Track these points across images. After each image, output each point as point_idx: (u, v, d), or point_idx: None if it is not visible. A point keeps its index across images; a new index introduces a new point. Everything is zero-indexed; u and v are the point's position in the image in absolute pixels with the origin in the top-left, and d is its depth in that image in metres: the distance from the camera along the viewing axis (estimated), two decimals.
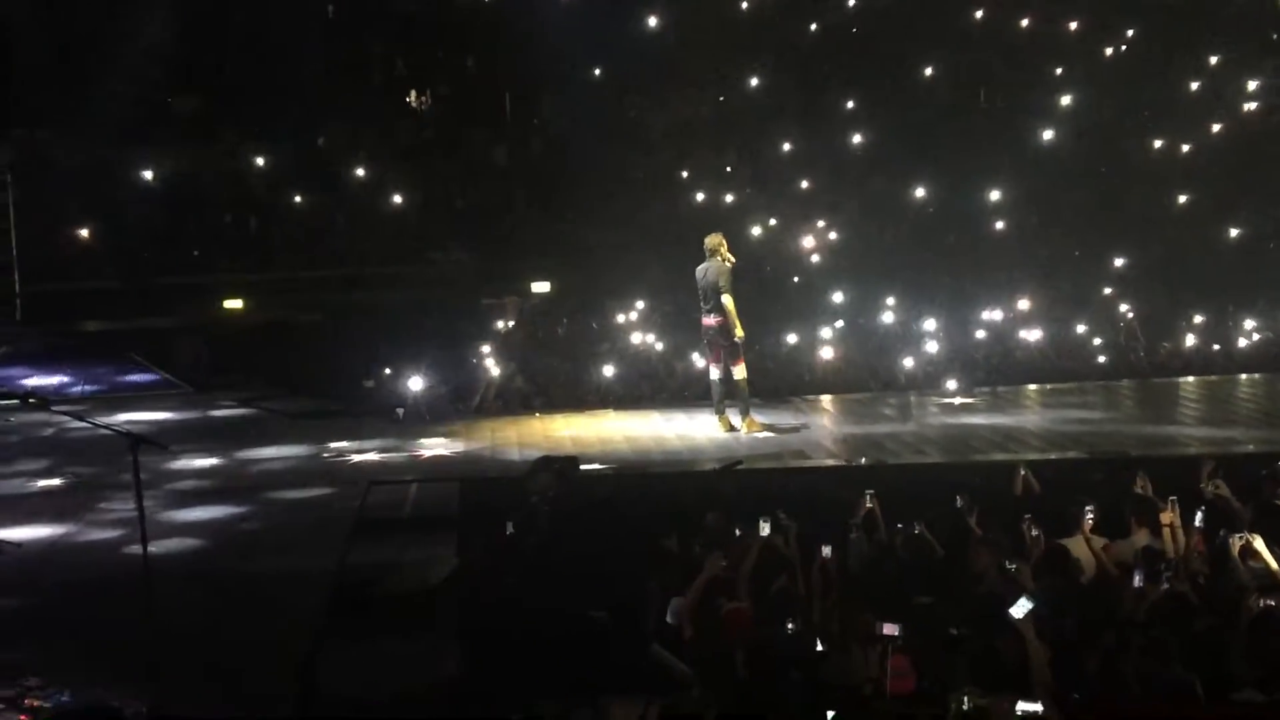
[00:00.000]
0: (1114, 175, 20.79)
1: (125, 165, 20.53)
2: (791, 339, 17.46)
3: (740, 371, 14.48)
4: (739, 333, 14.31)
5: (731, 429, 14.50)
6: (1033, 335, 17.84)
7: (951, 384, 16.65)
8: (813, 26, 21.83)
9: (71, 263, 19.71)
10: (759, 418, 14.81)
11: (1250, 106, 21.50)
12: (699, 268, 14.51)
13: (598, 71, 21.42)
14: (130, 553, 9.69)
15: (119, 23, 20.99)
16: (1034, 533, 9.63)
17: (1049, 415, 15.47)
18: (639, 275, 18.22)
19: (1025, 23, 21.76)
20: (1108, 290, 18.96)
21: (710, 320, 14.43)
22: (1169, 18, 21.65)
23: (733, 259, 14.46)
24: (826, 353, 17.01)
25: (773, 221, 19.92)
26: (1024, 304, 18.35)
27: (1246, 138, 21.08)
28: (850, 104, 21.33)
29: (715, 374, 14.60)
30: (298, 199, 20.77)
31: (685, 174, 20.74)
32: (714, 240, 14.45)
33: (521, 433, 14.87)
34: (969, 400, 16.25)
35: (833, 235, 19.83)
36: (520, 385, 16.34)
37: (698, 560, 9.07)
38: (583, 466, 12.10)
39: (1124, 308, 18.40)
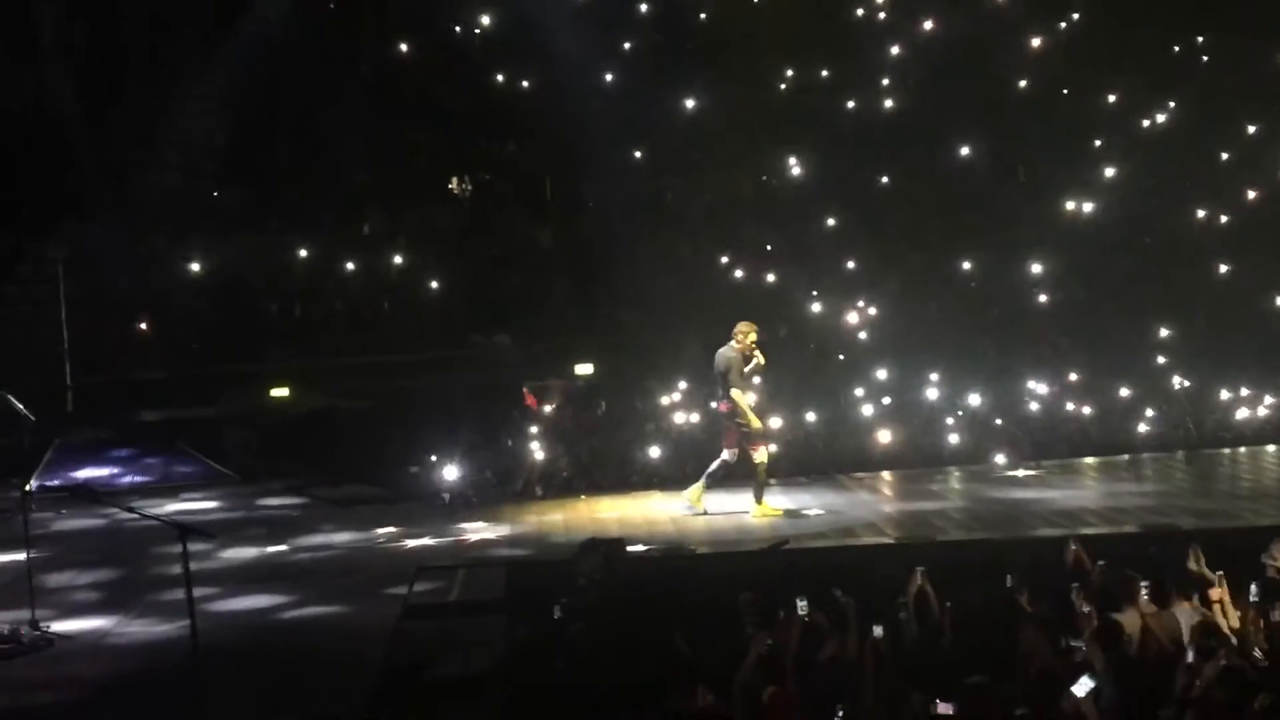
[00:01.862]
0: (1156, 246, 20.71)
1: (173, 257, 20.86)
2: (829, 415, 17.39)
3: (759, 455, 14.35)
4: (753, 424, 14.25)
5: (698, 503, 14.44)
6: (1080, 408, 17.71)
7: (1000, 459, 16.53)
8: (850, 104, 21.99)
9: (121, 354, 19.96)
10: (797, 499, 14.71)
11: None
12: (717, 352, 14.51)
13: (637, 154, 21.62)
14: (180, 643, 9.70)
15: (168, 117, 21.45)
16: (1085, 608, 9.50)
17: (1099, 489, 15.32)
18: (681, 355, 18.25)
19: (1065, 93, 21.83)
20: (1157, 361, 18.81)
21: (721, 405, 14.47)
22: (1205, 89, 21.65)
23: (752, 348, 14.33)
24: (883, 436, 16.86)
25: (816, 299, 19.93)
26: (1071, 376, 18.22)
27: None
28: (888, 180, 21.41)
29: (726, 454, 14.50)
30: (342, 286, 20.99)
31: (726, 254, 20.81)
32: (739, 327, 14.46)
33: (567, 516, 14.86)
34: (1016, 475, 16.12)
35: (874, 311, 19.81)
36: (565, 468, 16.34)
37: (745, 641, 8.98)
38: (629, 548, 12.05)
39: (1175, 379, 18.26)
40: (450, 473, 15.71)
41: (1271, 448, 17.27)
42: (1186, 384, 18.25)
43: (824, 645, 8.93)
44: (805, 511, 14.62)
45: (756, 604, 9.85)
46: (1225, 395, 18.08)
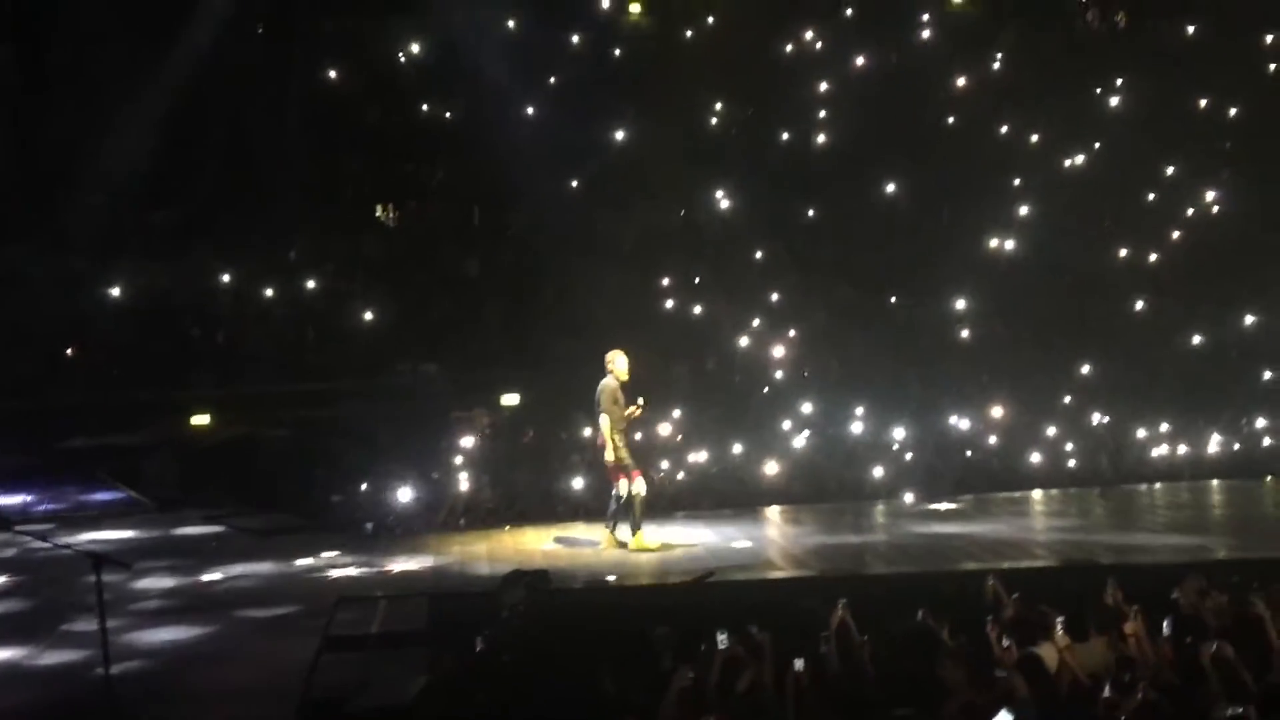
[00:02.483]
0: (1077, 284, 21.03)
1: (97, 280, 20.58)
2: (754, 448, 17.49)
3: (622, 488, 14.28)
4: (614, 454, 14.15)
5: (620, 545, 14.39)
6: (1001, 443, 17.93)
7: (918, 493, 16.70)
8: (779, 138, 22.16)
9: (41, 379, 19.64)
10: (721, 531, 14.73)
11: (1208, 212, 21.86)
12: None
13: (569, 184, 21.66)
14: (94, 674, 9.56)
15: (93, 139, 21.20)
16: (1005, 643, 9.60)
17: (1019, 523, 15.50)
18: None
19: (986, 137, 22.14)
20: (1076, 397, 19.10)
21: (599, 439, 14.42)
22: (1126, 130, 22.05)
23: (622, 376, 14.32)
24: (770, 468, 16.99)
25: (742, 332, 20.03)
26: (994, 411, 18.45)
27: (1205, 246, 21.40)
28: (816, 213, 21.59)
29: (616, 489, 14.44)
30: (267, 313, 20.82)
31: (654, 285, 20.87)
32: (607, 355, 14.47)
33: (492, 546, 14.80)
34: (939, 508, 16.28)
35: (799, 345, 19.94)
36: (489, 498, 16.28)
37: (665, 675, 8.97)
38: (553, 581, 12.02)
39: (1095, 416, 18.55)
40: (373, 502, 15.59)
41: (1185, 484, 17.59)
42: (1105, 420, 18.55)
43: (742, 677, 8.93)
44: (731, 544, 14.65)
45: (671, 637, 9.86)
46: (1143, 432, 18.39)
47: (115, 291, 20.62)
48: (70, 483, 17.60)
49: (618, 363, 14.41)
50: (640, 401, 14.37)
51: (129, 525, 16.01)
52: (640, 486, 14.33)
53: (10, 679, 10.55)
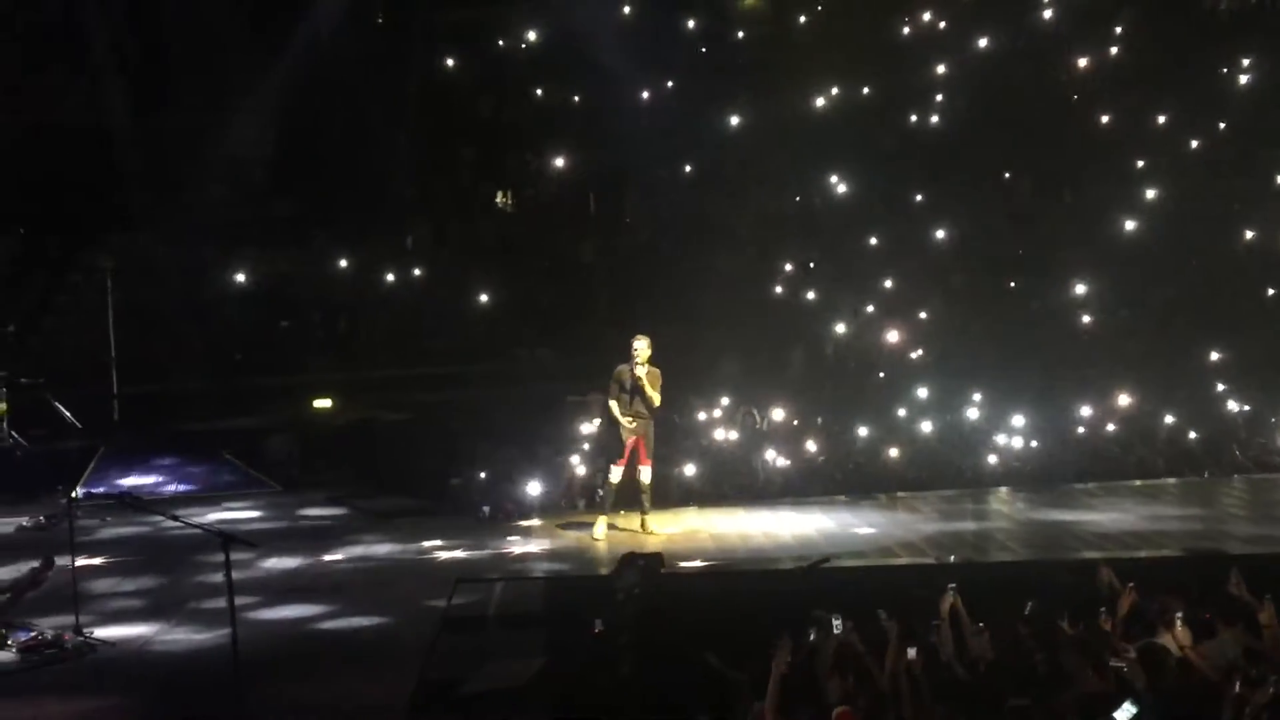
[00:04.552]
0: (1205, 269, 20.53)
1: (220, 267, 21.06)
2: (872, 434, 17.35)
3: (644, 474, 14.50)
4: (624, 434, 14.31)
5: (648, 531, 14.47)
6: (1122, 430, 17.59)
7: (1038, 479, 16.46)
8: (895, 122, 21.91)
9: (168, 363, 20.15)
10: (837, 518, 14.72)
11: None
12: None
13: (683, 169, 21.64)
14: (221, 651, 9.80)
15: (217, 128, 21.68)
16: (1122, 632, 9.42)
17: (1142, 512, 15.21)
18: (721, 372, 18.25)
19: (1108, 119, 21.69)
20: (1206, 386, 18.64)
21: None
22: (1253, 110, 21.47)
23: (640, 363, 14.32)
24: (890, 453, 16.88)
25: (855, 318, 19.88)
26: (1120, 400, 18.07)
27: None
28: (932, 200, 21.33)
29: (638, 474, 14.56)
30: (385, 298, 21.14)
31: (769, 270, 20.79)
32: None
33: (608, 530, 14.85)
34: (1059, 497, 16.03)
35: (917, 331, 19.72)
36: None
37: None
38: (674, 564, 12.07)
39: (1225, 404, 18.11)
40: (491, 485, 15.76)
41: None
42: (1235, 408, 18.09)
43: (860, 665, 8.86)
44: (849, 530, 14.59)
45: (825, 619, 9.67)
46: (1274, 420, 17.91)
47: (239, 278, 21.08)
48: (197, 464, 18.01)
49: (634, 346, 14.44)
50: (629, 424, 14.36)
51: (254, 506, 16.35)
52: (616, 475, 14.42)
53: (140, 655, 10.85)
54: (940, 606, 10.01)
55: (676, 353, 19.32)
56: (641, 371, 14.33)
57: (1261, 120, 21.32)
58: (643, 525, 14.57)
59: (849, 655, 9.04)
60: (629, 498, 14.82)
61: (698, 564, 13.15)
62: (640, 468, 14.51)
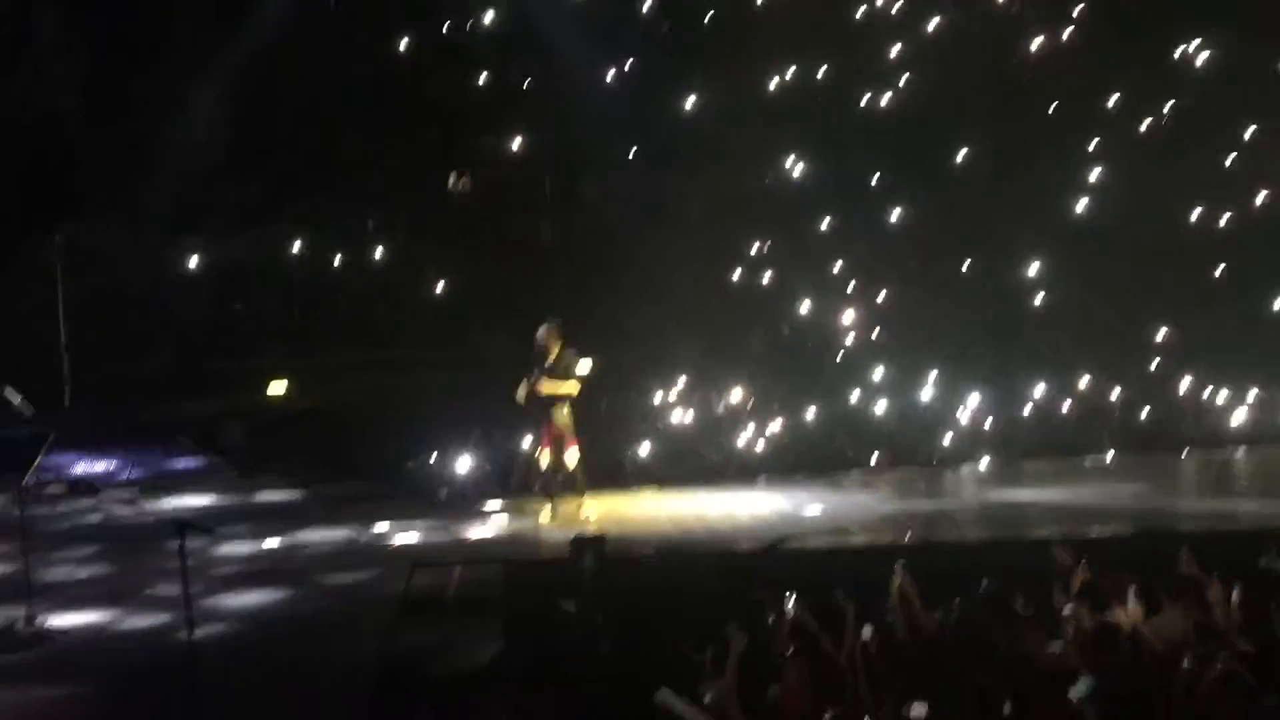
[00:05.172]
0: (1154, 248, 20.68)
1: (172, 252, 20.88)
2: (827, 415, 17.43)
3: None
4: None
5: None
6: (1074, 408, 17.75)
7: (993, 458, 16.59)
8: (850, 103, 21.94)
9: (119, 349, 19.97)
10: (793, 498, 14.83)
11: None
12: None
13: (638, 151, 21.60)
14: (176, 638, 9.75)
15: (168, 112, 21.46)
16: (1075, 610, 9.49)
17: (1094, 489, 15.35)
18: (678, 353, 18.27)
19: (1060, 100, 21.78)
20: (1149, 363, 18.85)
21: None
22: (1204, 91, 21.63)
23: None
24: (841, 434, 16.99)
25: (811, 299, 19.94)
26: (1073, 378, 18.20)
27: None
28: (888, 181, 21.38)
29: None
30: (340, 282, 21.02)
31: (726, 251, 20.78)
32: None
33: (563, 512, 14.87)
34: (1011, 474, 16.16)
35: (872, 311, 19.80)
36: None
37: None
38: (628, 546, 12.10)
39: (1173, 381, 18.30)
40: (447, 469, 15.74)
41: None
42: (1190, 385, 18.27)
43: (814, 645, 8.92)
44: (803, 510, 14.66)
45: (771, 600, 9.71)
46: (1223, 397, 18.11)
47: (192, 263, 20.91)
48: (151, 450, 17.88)
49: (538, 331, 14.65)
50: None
51: (210, 491, 16.25)
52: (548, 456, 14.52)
53: (94, 643, 10.78)
54: (891, 586, 10.07)
55: (635, 333, 19.43)
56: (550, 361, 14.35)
57: (1211, 101, 21.47)
58: (578, 509, 14.56)
59: (803, 634, 9.10)
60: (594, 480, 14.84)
61: (651, 546, 13.16)
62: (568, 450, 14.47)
